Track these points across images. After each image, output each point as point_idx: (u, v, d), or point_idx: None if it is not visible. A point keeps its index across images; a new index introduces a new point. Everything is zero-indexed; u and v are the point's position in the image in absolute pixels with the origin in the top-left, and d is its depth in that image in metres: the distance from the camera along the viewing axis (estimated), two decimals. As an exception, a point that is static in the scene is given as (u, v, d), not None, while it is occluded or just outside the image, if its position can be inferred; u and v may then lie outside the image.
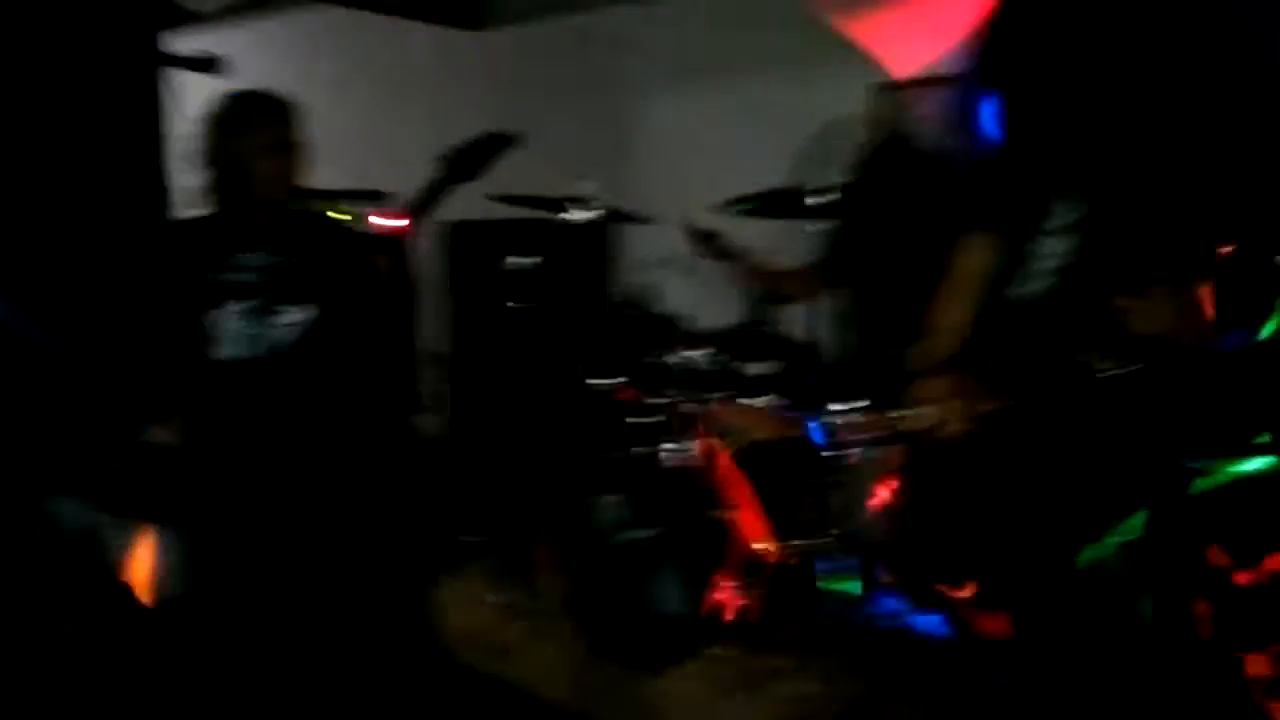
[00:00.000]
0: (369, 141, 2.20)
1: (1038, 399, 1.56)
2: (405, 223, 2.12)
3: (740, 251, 2.83)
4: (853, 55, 3.05)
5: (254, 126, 2.19)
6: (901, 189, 2.59)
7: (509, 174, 2.35)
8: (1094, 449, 1.50)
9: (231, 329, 2.16)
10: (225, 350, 2.16)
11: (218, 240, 2.22)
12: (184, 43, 3.55)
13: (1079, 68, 1.51)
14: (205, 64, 2.39)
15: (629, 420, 2.71)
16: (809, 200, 2.15)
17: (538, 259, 2.96)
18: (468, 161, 2.11)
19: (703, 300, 3.01)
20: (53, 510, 2.22)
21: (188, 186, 2.25)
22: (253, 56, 2.33)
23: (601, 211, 2.84)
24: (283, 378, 2.15)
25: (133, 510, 2.21)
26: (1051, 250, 1.56)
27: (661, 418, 2.62)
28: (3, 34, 2.52)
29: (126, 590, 2.18)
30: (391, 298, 2.27)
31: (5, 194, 2.58)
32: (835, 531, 2.16)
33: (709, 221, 2.85)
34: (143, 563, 2.20)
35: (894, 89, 2.99)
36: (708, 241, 2.85)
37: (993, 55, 1.63)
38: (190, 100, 3.31)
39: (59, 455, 2.31)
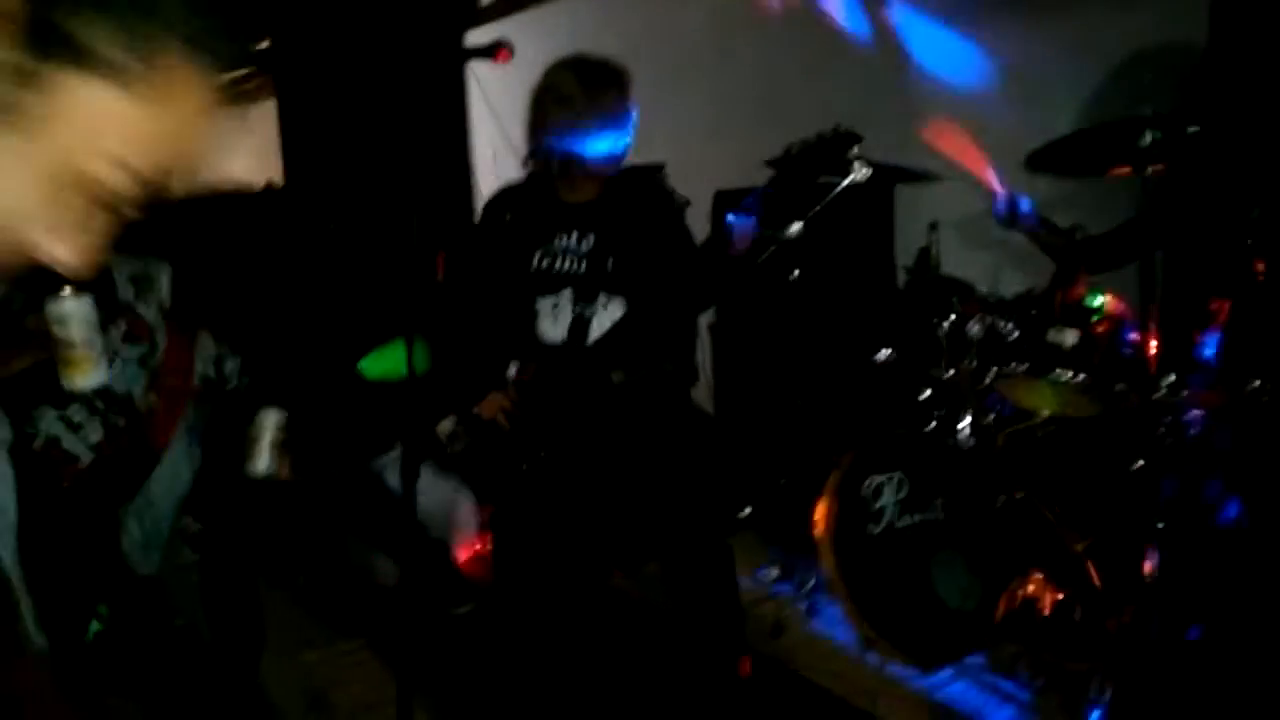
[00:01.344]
0: (651, 118, 2.17)
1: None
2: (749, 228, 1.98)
3: (1058, 233, 2.41)
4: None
5: (593, 100, 2.05)
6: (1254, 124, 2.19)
7: (782, 138, 2.28)
8: None
9: (548, 313, 2.16)
10: (542, 332, 2.16)
11: (539, 217, 2.15)
12: (476, 35, 3.84)
13: None
14: (495, 51, 2.52)
15: (913, 394, 2.54)
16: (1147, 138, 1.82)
17: (811, 224, 2.83)
18: (809, 162, 1.94)
19: (997, 263, 2.74)
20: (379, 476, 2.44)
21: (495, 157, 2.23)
22: (537, 43, 2.41)
23: (872, 171, 2.64)
24: (594, 364, 2.13)
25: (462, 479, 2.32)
26: None
27: (950, 392, 2.43)
28: (345, 40, 3.00)
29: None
30: (705, 283, 2.15)
31: (340, 180, 3.01)
32: (1162, 520, 1.87)
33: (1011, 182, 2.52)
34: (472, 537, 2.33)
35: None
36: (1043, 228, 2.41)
37: None
38: (487, 88, 3.57)
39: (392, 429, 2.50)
